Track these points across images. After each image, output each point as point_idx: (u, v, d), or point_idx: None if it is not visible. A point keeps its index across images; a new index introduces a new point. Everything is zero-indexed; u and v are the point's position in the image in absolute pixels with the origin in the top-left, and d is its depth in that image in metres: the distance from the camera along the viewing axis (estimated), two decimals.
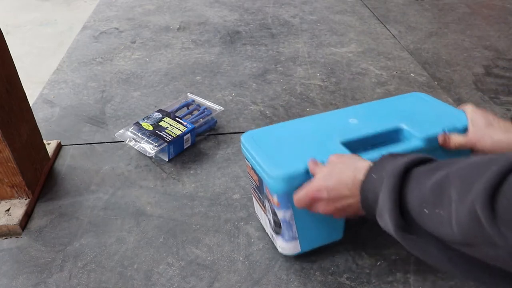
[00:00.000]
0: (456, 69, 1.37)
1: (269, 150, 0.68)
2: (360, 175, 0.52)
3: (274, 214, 0.67)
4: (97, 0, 2.01)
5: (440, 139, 0.65)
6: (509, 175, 0.32)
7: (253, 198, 0.79)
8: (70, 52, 1.50)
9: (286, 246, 0.71)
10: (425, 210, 0.40)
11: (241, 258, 0.74)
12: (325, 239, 0.74)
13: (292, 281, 0.70)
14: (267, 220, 0.74)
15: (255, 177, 0.70)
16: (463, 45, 1.54)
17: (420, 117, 0.73)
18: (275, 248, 0.74)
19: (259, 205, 0.76)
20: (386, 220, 0.45)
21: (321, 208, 0.57)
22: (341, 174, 0.54)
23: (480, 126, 0.63)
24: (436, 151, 0.68)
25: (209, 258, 0.74)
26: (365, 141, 0.70)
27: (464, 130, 0.69)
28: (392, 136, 0.72)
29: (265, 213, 0.73)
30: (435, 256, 0.42)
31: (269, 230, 0.76)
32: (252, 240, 0.77)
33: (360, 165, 0.53)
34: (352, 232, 0.77)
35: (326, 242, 0.74)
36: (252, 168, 0.70)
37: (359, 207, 0.52)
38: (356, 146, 0.69)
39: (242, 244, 0.76)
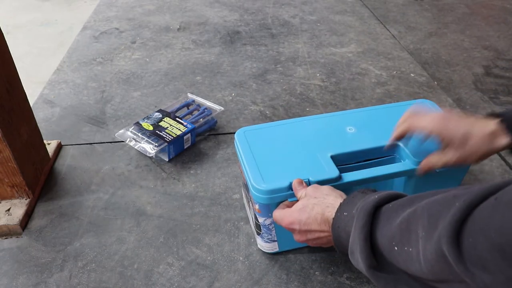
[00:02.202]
0: (455, 69, 1.38)
1: (258, 156, 0.69)
2: (328, 213, 0.53)
3: (256, 217, 0.68)
4: (97, 0, 2.01)
5: (421, 171, 0.64)
6: (472, 211, 0.32)
7: (242, 188, 0.80)
8: (70, 52, 1.50)
9: (265, 245, 0.73)
10: (395, 247, 0.41)
11: (241, 258, 0.74)
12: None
13: (292, 281, 0.70)
14: (251, 216, 0.75)
15: (243, 177, 0.71)
16: (462, 45, 1.54)
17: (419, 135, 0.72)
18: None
19: (246, 198, 0.78)
20: (357, 259, 0.45)
21: (295, 237, 0.60)
22: (312, 210, 0.55)
23: (457, 144, 0.60)
24: (428, 173, 0.68)
25: (209, 258, 0.74)
26: (358, 155, 0.70)
27: None
28: (388, 152, 0.71)
29: (249, 207, 0.75)
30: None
31: (251, 224, 0.77)
32: (252, 240, 0.77)
33: (329, 201, 0.55)
34: None
35: (306, 244, 0.75)
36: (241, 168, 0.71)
37: (330, 240, 0.55)
38: (347, 159, 0.69)
39: (242, 244, 0.76)
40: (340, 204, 0.52)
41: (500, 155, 0.98)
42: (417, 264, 0.37)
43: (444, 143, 0.61)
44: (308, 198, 0.57)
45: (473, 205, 0.33)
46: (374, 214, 0.45)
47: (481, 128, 0.58)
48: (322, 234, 0.55)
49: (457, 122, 0.59)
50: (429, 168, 0.63)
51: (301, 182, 0.62)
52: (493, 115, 0.59)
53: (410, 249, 0.38)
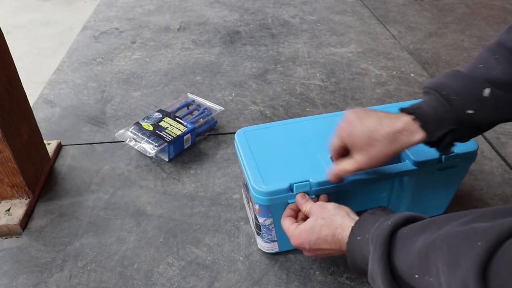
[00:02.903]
0: None
1: (258, 156, 0.69)
2: (339, 234, 0.55)
3: (256, 217, 0.68)
4: (97, 0, 2.01)
5: (333, 179, 0.62)
6: (496, 251, 0.33)
7: (242, 188, 0.80)
8: (71, 52, 1.50)
9: (265, 245, 0.73)
10: (415, 275, 0.41)
11: (241, 258, 0.74)
12: None
13: (292, 281, 0.70)
14: (251, 216, 0.75)
15: (243, 177, 0.71)
16: (462, 45, 1.54)
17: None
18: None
19: (246, 198, 0.78)
20: (379, 285, 0.46)
21: (305, 253, 0.61)
22: (320, 232, 0.57)
23: (361, 147, 0.58)
24: (428, 173, 0.68)
25: (209, 258, 0.74)
26: None
27: (464, 155, 0.68)
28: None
29: (249, 207, 0.75)
30: None
31: (251, 224, 0.77)
32: (252, 240, 0.77)
33: (337, 222, 0.56)
34: None
35: None
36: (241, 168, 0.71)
37: (339, 253, 0.57)
38: None
39: (242, 244, 0.76)
40: (352, 228, 0.53)
41: (500, 155, 0.98)
42: None
43: (352, 148, 0.59)
44: (315, 219, 0.58)
45: (496, 246, 0.33)
46: (390, 241, 0.46)
47: (387, 128, 0.56)
48: (332, 251, 0.57)
49: (361, 124, 0.57)
50: (340, 175, 0.61)
51: (304, 196, 0.63)
52: (405, 111, 0.57)
53: (431, 279, 0.39)
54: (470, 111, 0.53)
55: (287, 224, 0.62)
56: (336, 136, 0.61)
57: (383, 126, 0.56)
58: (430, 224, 0.43)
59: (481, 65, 0.54)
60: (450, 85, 0.55)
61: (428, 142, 0.56)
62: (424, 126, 0.55)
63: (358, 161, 0.58)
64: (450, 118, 0.54)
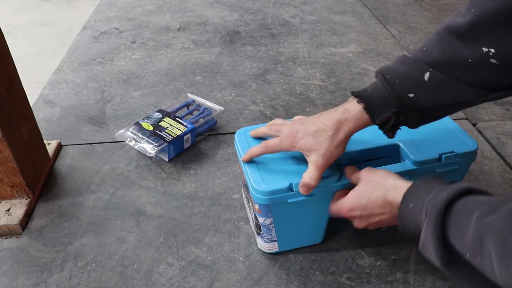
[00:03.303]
0: None
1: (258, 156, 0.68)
2: (390, 196, 0.54)
3: (256, 217, 0.68)
4: (97, 0, 2.01)
5: (301, 191, 0.62)
6: None
7: (242, 188, 0.80)
8: (71, 52, 1.50)
9: (264, 245, 0.73)
10: (467, 253, 0.42)
11: (241, 258, 0.74)
12: (304, 242, 0.75)
13: (292, 281, 0.70)
14: (251, 216, 0.75)
15: (243, 177, 0.71)
16: None
17: (421, 135, 0.70)
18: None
19: (246, 198, 0.78)
20: (431, 254, 0.46)
21: (356, 223, 0.61)
22: (371, 194, 0.56)
23: (312, 148, 0.60)
24: (428, 173, 0.68)
25: (209, 258, 0.74)
26: (357, 155, 0.70)
27: (464, 155, 0.68)
28: (387, 151, 0.71)
29: (249, 207, 0.75)
30: (485, 282, 0.42)
31: (251, 224, 0.77)
32: (252, 240, 0.77)
33: (389, 183, 0.56)
34: (351, 232, 0.77)
35: (306, 244, 0.75)
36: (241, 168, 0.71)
37: (391, 221, 0.56)
38: (347, 159, 0.69)
39: (242, 244, 0.76)
40: (404, 194, 0.53)
41: (500, 155, 0.98)
42: (492, 276, 0.39)
43: (305, 153, 0.61)
44: (365, 184, 0.58)
45: None
46: (444, 213, 0.45)
47: (328, 120, 0.59)
48: (383, 217, 0.56)
49: (305, 128, 0.60)
50: (307, 185, 0.60)
51: (353, 168, 0.63)
52: (353, 93, 0.59)
53: (483, 261, 0.39)
54: (411, 95, 0.54)
55: (334, 203, 0.62)
56: (276, 147, 0.63)
57: (324, 120, 0.59)
58: (483, 205, 0.42)
59: (425, 48, 0.55)
60: (395, 69, 0.56)
61: (378, 126, 0.59)
62: (367, 108, 0.57)
63: (314, 162, 0.60)
64: (393, 101, 0.56)
